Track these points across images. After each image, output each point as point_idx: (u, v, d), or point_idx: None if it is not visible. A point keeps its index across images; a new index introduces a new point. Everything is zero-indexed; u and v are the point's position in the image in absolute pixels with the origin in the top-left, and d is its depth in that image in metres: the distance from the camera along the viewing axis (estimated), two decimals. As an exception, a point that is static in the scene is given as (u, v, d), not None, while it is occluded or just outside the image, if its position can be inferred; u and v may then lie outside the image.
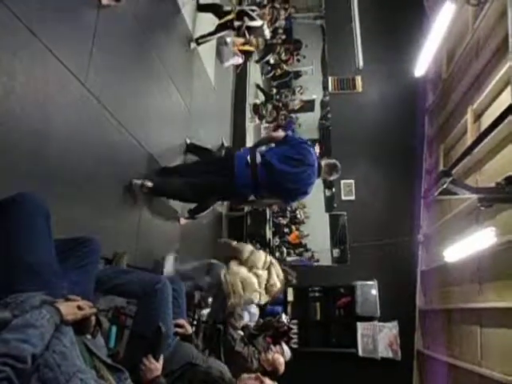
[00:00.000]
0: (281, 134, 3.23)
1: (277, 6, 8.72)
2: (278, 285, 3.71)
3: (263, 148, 3.14)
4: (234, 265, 3.50)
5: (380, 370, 5.64)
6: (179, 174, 3.44)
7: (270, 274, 3.64)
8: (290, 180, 3.04)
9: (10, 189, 1.50)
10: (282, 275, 3.78)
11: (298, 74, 11.51)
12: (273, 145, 3.29)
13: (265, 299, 3.65)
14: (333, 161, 3.33)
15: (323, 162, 3.26)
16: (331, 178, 3.44)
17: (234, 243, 4.00)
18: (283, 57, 10.37)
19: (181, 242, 4.11)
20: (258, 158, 3.00)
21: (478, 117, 4.62)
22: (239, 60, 6.18)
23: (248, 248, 3.80)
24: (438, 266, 5.34)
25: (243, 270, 3.49)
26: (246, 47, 5.86)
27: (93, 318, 1.32)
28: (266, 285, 3.60)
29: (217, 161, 3.48)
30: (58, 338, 1.09)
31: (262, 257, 3.70)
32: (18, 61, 1.92)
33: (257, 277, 3.52)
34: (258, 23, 5.13)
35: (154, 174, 3.37)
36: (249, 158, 3.00)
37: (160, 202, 3.70)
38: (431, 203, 6.00)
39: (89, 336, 1.33)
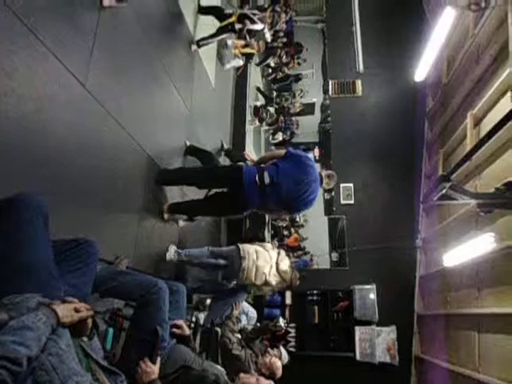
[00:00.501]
0: (282, 151, 3.30)
1: (278, 9, 8.73)
2: (288, 270, 3.92)
3: (270, 168, 3.18)
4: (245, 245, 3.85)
5: (377, 374, 5.63)
6: (187, 181, 3.69)
7: (279, 254, 3.93)
8: (298, 199, 3.18)
9: (8, 190, 1.49)
10: (290, 263, 4.03)
11: (298, 78, 11.52)
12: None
13: (275, 280, 3.84)
14: (330, 171, 3.48)
15: (323, 174, 3.37)
16: (330, 187, 3.61)
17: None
18: (284, 60, 10.38)
19: (179, 245, 4.10)
20: (267, 179, 3.08)
21: (477, 122, 4.62)
22: (240, 62, 6.19)
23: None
24: (436, 270, 5.34)
25: (255, 246, 3.87)
26: (247, 50, 5.87)
27: (90, 321, 1.31)
28: (276, 266, 3.86)
29: (225, 172, 3.52)
30: (54, 341, 1.08)
31: (268, 244, 4.13)
32: (18, 61, 1.91)
33: (267, 251, 3.87)
34: (259, 26, 5.14)
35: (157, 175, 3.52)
36: (257, 177, 3.08)
37: (160, 205, 3.69)
38: (430, 208, 6.01)
39: (85, 338, 1.32)
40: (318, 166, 11.39)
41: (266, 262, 3.79)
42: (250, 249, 3.76)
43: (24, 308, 1.14)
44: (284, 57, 10.28)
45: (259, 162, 3.47)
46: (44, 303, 1.20)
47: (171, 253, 3.74)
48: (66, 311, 1.20)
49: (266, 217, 7.04)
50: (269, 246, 4.03)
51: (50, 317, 1.14)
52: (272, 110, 9.72)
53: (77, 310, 1.24)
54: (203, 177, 3.53)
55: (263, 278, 3.74)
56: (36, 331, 1.05)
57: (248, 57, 6.25)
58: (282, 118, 10.27)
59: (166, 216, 3.64)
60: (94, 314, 1.54)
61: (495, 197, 3.07)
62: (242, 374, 2.20)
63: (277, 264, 3.86)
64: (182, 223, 4.11)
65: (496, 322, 3.76)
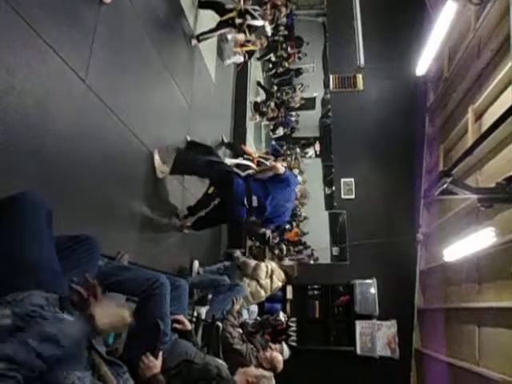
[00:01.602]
0: (282, 169, 3.45)
1: (278, 2, 8.68)
2: (280, 284, 4.45)
3: (259, 189, 3.37)
4: (246, 281, 4.24)
5: (378, 368, 5.66)
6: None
7: (272, 281, 4.33)
8: (275, 218, 3.59)
9: (11, 187, 1.50)
10: (282, 276, 4.47)
11: (299, 72, 11.47)
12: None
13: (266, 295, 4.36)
14: (304, 190, 3.84)
15: (298, 194, 3.71)
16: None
17: (243, 259, 4.67)
18: (287, 52, 10.31)
19: (181, 239, 4.11)
20: (255, 203, 3.34)
21: (478, 116, 4.61)
22: (241, 59, 6.17)
23: (252, 263, 4.41)
24: (437, 265, 5.35)
25: (253, 285, 4.22)
26: (249, 47, 5.83)
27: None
28: (271, 290, 4.35)
29: (217, 178, 3.60)
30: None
31: (263, 268, 4.33)
32: (18, 57, 1.91)
33: (262, 288, 4.24)
34: (259, 22, 5.11)
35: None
36: (245, 200, 3.32)
37: (161, 200, 3.70)
38: (431, 202, 6.01)
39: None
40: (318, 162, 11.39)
41: (261, 298, 4.29)
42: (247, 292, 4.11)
43: (28, 305, 1.15)
44: (289, 48, 10.23)
45: (253, 174, 3.65)
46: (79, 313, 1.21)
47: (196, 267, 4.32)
48: (103, 315, 1.24)
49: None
50: (263, 274, 4.30)
51: (86, 332, 1.17)
52: (273, 104, 9.69)
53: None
54: (203, 171, 3.63)
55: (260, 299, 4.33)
56: (62, 350, 1.07)
57: (249, 53, 6.22)
58: (282, 112, 10.24)
59: (159, 174, 3.55)
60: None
61: (496, 191, 3.08)
62: (240, 369, 2.23)
63: (271, 290, 4.34)
64: (186, 231, 4.12)
65: (496, 316, 3.78)
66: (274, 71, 10.87)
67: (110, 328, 1.32)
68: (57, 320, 1.14)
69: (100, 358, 1.29)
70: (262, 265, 4.40)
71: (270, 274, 4.37)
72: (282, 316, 3.95)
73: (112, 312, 1.29)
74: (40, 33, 2.02)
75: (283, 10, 9.07)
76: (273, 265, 4.51)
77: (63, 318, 1.17)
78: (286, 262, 4.37)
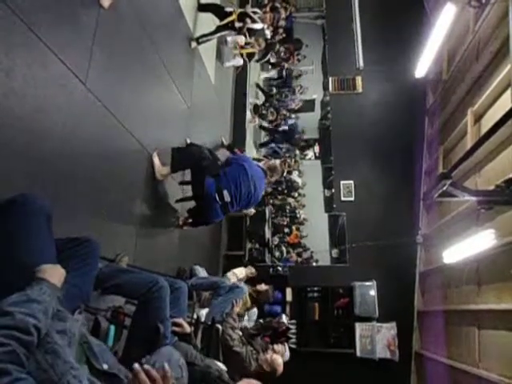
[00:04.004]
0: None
1: (277, 5, 8.69)
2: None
3: (223, 182, 3.42)
4: None
5: (378, 370, 5.65)
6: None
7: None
8: (250, 201, 3.66)
9: (10, 190, 1.50)
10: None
11: (298, 74, 11.48)
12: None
13: None
14: (272, 163, 3.89)
15: (265, 167, 3.81)
16: (275, 179, 4.05)
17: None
18: (283, 55, 10.31)
19: (180, 241, 4.11)
20: (227, 197, 3.40)
21: (478, 119, 4.62)
22: (240, 62, 6.17)
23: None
24: (436, 267, 5.35)
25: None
26: (249, 49, 5.84)
27: None
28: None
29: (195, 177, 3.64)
30: (48, 336, 1.09)
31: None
32: (19, 60, 1.91)
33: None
34: (259, 26, 5.12)
35: None
36: (217, 196, 3.37)
37: (160, 202, 3.70)
38: (431, 204, 6.01)
39: (92, 340, 1.30)
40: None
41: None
42: None
43: None
44: (283, 53, 10.23)
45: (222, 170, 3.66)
46: (38, 276, 1.23)
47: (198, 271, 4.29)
48: (55, 276, 1.25)
49: (266, 214, 7.05)
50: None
51: (53, 289, 1.18)
52: (271, 107, 9.70)
53: None
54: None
55: None
56: (42, 304, 1.09)
57: (249, 56, 6.23)
58: (281, 114, 10.24)
59: (159, 176, 3.60)
60: (96, 311, 1.55)
61: (495, 194, 3.08)
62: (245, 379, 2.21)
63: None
64: (185, 228, 4.12)
65: (496, 318, 3.78)
66: (273, 73, 10.88)
67: None
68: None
69: (96, 372, 1.25)
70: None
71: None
72: (284, 318, 3.91)
73: None
74: (40, 36, 2.03)
75: (282, 12, 9.07)
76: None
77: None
78: (263, 286, 4.27)
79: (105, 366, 1.23)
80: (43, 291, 1.14)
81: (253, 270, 4.77)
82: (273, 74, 10.89)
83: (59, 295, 1.19)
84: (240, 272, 4.58)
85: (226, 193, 3.39)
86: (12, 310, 1.00)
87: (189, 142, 4.29)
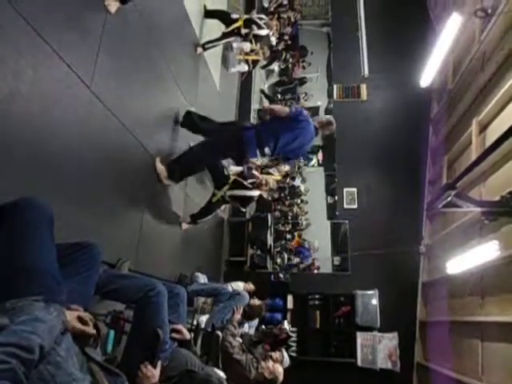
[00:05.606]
0: (285, 110, 3.50)
1: (283, 16, 8.76)
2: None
3: (269, 138, 3.43)
4: None
5: (379, 381, 5.59)
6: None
7: None
8: (293, 156, 3.88)
9: (13, 192, 1.50)
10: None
11: (303, 81, 11.52)
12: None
13: None
14: (325, 119, 3.74)
15: (317, 124, 3.63)
16: (328, 133, 3.91)
17: None
18: (291, 62, 10.36)
19: (182, 247, 4.10)
20: (268, 152, 3.48)
21: (483, 129, 4.60)
22: (245, 68, 6.20)
23: None
24: (439, 277, 5.31)
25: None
26: (253, 56, 5.86)
27: (92, 336, 1.32)
28: None
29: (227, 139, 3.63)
30: (53, 349, 1.07)
31: None
32: (24, 62, 1.92)
33: None
34: (264, 32, 5.14)
35: None
36: (258, 152, 3.45)
37: (163, 208, 3.70)
38: (434, 214, 5.98)
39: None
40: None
41: None
42: None
43: (27, 311, 1.14)
44: (290, 59, 10.27)
45: (260, 116, 3.73)
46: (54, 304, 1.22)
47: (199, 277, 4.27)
48: (70, 317, 1.21)
49: (269, 220, 7.02)
50: None
51: (61, 313, 1.17)
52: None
53: (80, 319, 1.24)
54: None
55: None
56: (48, 323, 1.07)
57: (254, 63, 6.26)
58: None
59: (165, 181, 3.52)
60: (95, 316, 1.54)
61: (500, 205, 3.06)
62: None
63: None
64: (185, 226, 4.12)
65: (499, 330, 3.73)
66: (278, 80, 10.92)
67: None
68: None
69: (98, 368, 1.27)
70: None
71: None
72: (286, 325, 3.86)
73: None
74: (47, 39, 2.03)
75: (289, 16, 9.13)
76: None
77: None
78: (256, 301, 4.22)
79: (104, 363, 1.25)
80: (50, 312, 1.14)
81: (252, 287, 4.71)
82: (279, 79, 10.91)
83: (64, 319, 1.19)
84: (237, 286, 4.56)
85: (267, 149, 3.45)
86: (16, 328, 1.00)
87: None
